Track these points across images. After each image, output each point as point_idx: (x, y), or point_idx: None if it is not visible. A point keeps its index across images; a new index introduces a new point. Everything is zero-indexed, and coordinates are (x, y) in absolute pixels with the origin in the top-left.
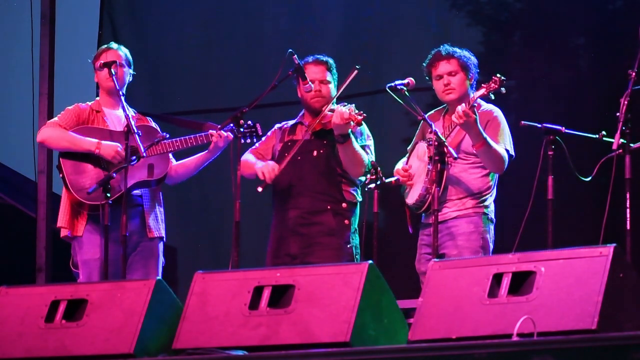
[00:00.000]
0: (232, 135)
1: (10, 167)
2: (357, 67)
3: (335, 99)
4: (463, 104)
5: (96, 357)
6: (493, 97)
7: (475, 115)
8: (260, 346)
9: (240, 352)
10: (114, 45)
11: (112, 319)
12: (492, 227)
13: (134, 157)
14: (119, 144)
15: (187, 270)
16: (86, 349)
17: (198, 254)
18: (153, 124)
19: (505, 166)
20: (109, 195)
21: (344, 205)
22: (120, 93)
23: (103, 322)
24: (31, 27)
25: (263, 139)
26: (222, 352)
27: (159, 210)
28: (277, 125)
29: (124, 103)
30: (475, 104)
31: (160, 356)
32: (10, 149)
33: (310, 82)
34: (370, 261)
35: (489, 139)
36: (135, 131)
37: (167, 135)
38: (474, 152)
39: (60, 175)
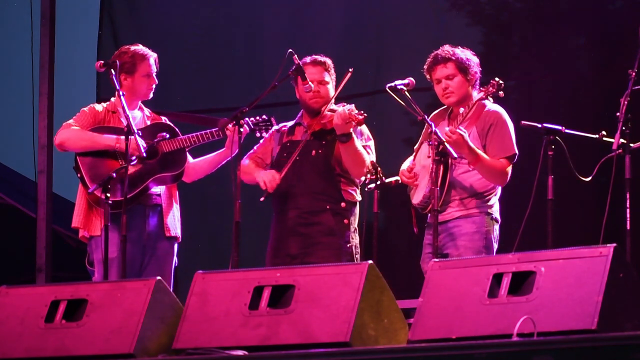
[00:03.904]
0: (247, 129)
1: (10, 167)
2: (350, 69)
3: (333, 100)
4: (447, 128)
5: (96, 357)
6: (492, 101)
7: (464, 133)
8: (260, 346)
9: (240, 352)
10: (150, 52)
11: (112, 319)
12: (496, 227)
13: (134, 157)
14: (134, 139)
15: (187, 270)
16: (86, 349)
17: (198, 254)
18: (168, 123)
19: (508, 178)
20: (108, 195)
21: (342, 204)
22: (121, 93)
23: (103, 322)
24: (31, 27)
25: (261, 141)
26: (222, 352)
27: (176, 209)
28: (275, 127)
29: (124, 104)
30: (470, 107)
31: (160, 356)
32: (10, 149)
33: (310, 82)
34: (370, 261)
35: (483, 155)
36: (135, 131)
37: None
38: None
39: (78, 175)
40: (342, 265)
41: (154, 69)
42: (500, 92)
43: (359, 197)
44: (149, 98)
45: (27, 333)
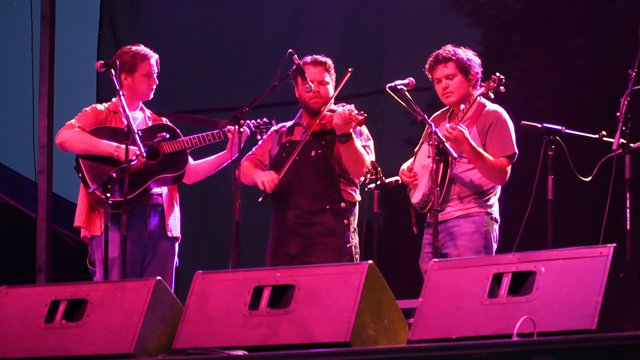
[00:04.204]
0: (248, 131)
1: (10, 167)
2: (350, 69)
3: (333, 100)
4: (447, 124)
5: (96, 357)
6: (493, 96)
7: (464, 130)
8: (260, 346)
9: (240, 352)
10: (151, 53)
11: (112, 319)
12: (496, 226)
13: (134, 157)
14: (136, 148)
15: (187, 270)
16: (86, 349)
17: (198, 254)
18: (169, 124)
19: (507, 177)
20: (108, 195)
21: (342, 205)
22: (121, 93)
23: (103, 322)
24: (31, 27)
25: (260, 142)
26: (222, 352)
27: (177, 209)
28: (274, 128)
29: (124, 104)
30: (471, 103)
31: (160, 356)
32: (10, 149)
33: (310, 82)
34: (370, 261)
35: (483, 153)
36: (135, 131)
37: (167, 136)
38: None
39: (80, 175)
40: (342, 265)
41: (155, 69)
42: (501, 87)
43: (358, 197)
44: (150, 99)
45: (27, 333)
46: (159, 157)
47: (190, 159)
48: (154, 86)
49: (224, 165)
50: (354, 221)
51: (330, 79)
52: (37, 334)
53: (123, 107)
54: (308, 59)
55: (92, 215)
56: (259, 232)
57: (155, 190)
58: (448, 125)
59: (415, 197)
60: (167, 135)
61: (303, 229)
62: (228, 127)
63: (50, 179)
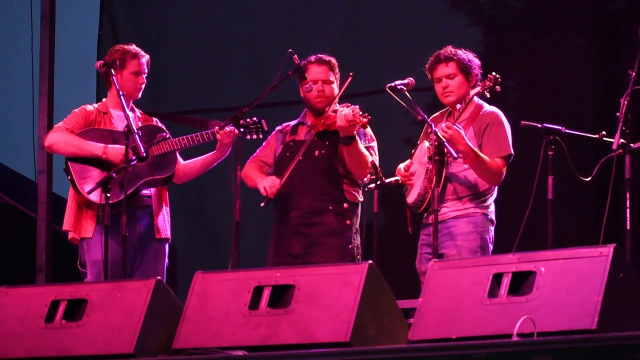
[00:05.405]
0: (236, 130)
1: (10, 167)
2: (351, 73)
3: (337, 100)
4: (443, 124)
5: (96, 357)
6: (489, 95)
7: (460, 129)
8: (260, 346)
9: (240, 352)
10: (142, 52)
11: (112, 319)
12: (492, 228)
13: (134, 157)
14: (122, 147)
15: (187, 270)
16: (86, 349)
17: (198, 254)
18: (159, 124)
19: (502, 178)
20: (108, 195)
21: (345, 205)
22: (120, 93)
23: (103, 322)
24: (31, 27)
25: (263, 144)
26: (222, 352)
27: (166, 211)
28: (278, 128)
29: (124, 103)
30: (467, 102)
31: (160, 356)
32: (10, 149)
33: (310, 82)
34: (370, 261)
35: (479, 153)
36: (135, 131)
37: (168, 136)
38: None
39: (69, 177)
40: (342, 265)
41: (145, 69)
42: (497, 87)
43: (361, 198)
44: (137, 98)
45: (27, 333)
46: (148, 159)
47: (180, 159)
48: (142, 86)
49: (214, 165)
50: (357, 222)
51: (334, 77)
52: (37, 334)
53: (123, 107)
54: (312, 58)
55: (80, 217)
56: (259, 232)
57: (144, 192)
58: (444, 124)
59: (411, 197)
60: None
61: (305, 229)
62: (216, 128)
63: (50, 179)
